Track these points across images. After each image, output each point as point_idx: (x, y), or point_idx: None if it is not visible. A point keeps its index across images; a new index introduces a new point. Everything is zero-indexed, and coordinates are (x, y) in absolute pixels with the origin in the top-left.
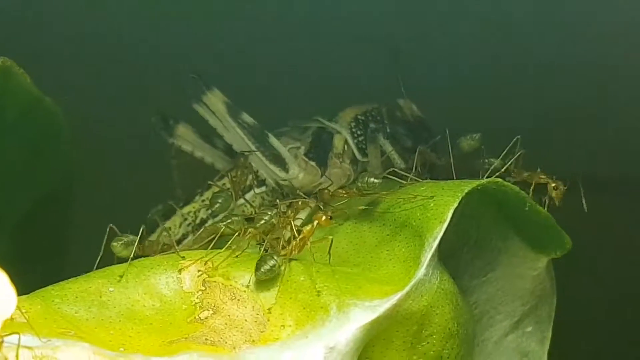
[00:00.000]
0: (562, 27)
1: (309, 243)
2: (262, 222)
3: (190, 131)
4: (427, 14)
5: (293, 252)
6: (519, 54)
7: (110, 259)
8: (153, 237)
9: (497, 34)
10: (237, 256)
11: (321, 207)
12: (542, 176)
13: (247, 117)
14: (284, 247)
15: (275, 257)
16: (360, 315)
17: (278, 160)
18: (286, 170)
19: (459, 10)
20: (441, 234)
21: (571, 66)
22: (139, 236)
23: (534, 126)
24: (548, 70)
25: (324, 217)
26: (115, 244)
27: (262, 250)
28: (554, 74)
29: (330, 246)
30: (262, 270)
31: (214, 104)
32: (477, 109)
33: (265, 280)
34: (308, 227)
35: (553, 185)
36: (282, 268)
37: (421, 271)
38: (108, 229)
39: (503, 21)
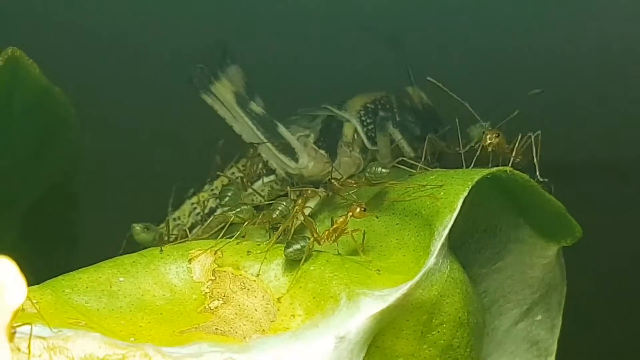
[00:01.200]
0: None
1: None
2: (278, 212)
3: (229, 92)
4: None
5: (326, 242)
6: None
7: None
8: (162, 227)
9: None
10: (248, 252)
11: (329, 195)
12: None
13: (255, 107)
14: (310, 237)
15: (307, 239)
16: (371, 304)
17: (287, 149)
18: (296, 159)
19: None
20: (451, 223)
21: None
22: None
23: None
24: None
25: (358, 209)
26: (137, 227)
27: (272, 239)
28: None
29: (364, 239)
30: (292, 249)
31: (222, 94)
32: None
33: (279, 267)
34: (342, 219)
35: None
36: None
37: (431, 260)
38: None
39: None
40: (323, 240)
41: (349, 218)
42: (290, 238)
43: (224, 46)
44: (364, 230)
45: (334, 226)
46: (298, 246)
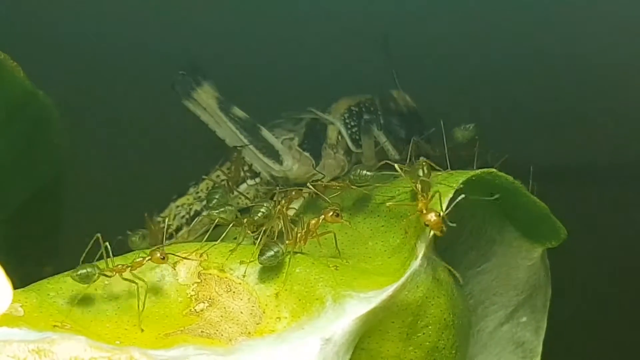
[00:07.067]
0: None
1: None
2: (260, 214)
3: (211, 97)
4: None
5: (298, 244)
6: None
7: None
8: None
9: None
10: (232, 250)
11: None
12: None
13: (238, 111)
14: (288, 239)
15: (280, 245)
16: (356, 306)
17: (271, 152)
18: (280, 162)
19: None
20: None
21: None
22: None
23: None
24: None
25: (330, 213)
26: (133, 238)
27: (257, 241)
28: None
29: (336, 241)
30: (266, 255)
31: (205, 100)
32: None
33: (264, 270)
34: (314, 221)
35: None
36: (287, 258)
37: (416, 262)
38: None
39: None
40: (295, 245)
41: (320, 221)
42: (263, 245)
43: (194, 64)
44: (334, 233)
45: (307, 229)
46: (271, 252)
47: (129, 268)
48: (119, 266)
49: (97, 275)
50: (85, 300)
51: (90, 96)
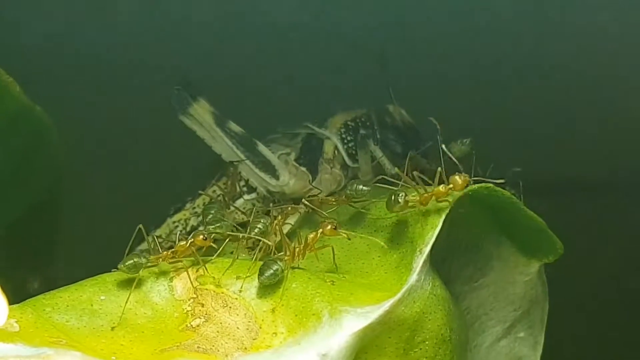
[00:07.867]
0: None
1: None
2: (257, 229)
3: (207, 112)
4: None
5: (296, 259)
6: None
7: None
8: (143, 246)
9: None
10: (228, 265)
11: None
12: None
13: (234, 126)
14: (286, 255)
15: (279, 262)
16: (353, 321)
17: (268, 167)
18: (277, 177)
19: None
20: (433, 239)
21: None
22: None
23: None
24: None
25: (329, 227)
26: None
27: (253, 256)
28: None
29: (334, 255)
30: (266, 275)
31: (201, 115)
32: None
33: (261, 285)
34: (312, 235)
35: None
36: (285, 273)
37: (413, 277)
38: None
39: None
40: (293, 259)
41: (319, 235)
42: (262, 264)
43: (189, 79)
44: (333, 247)
45: (304, 244)
46: (271, 271)
47: (173, 253)
48: (164, 253)
49: (145, 263)
50: (80, 316)
51: (87, 109)
